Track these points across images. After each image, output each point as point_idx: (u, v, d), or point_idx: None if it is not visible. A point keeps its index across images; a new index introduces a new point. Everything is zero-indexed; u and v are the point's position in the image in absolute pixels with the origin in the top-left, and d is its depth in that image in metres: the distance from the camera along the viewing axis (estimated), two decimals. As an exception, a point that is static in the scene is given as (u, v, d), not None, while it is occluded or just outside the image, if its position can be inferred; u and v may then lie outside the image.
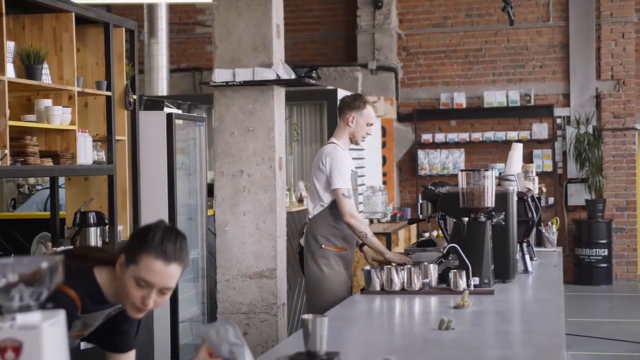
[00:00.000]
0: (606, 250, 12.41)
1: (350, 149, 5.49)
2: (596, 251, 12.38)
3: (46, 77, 5.13)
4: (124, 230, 6.00)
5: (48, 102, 5.20)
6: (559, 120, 12.89)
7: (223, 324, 2.51)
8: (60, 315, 1.80)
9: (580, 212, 12.80)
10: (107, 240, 5.72)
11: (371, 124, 5.45)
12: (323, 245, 5.29)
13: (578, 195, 12.73)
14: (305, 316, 2.74)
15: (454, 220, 4.63)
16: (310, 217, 5.38)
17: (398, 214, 11.30)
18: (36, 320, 1.76)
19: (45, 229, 5.94)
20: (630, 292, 12.09)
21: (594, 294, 11.87)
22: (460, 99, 13.03)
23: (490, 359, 2.97)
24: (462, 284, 4.24)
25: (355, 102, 5.43)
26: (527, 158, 12.49)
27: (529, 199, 5.16)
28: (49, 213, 5.94)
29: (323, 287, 5.26)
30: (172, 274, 2.60)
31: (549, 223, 6.62)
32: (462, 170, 4.52)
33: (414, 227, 11.49)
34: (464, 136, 12.97)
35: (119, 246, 2.76)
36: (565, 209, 12.85)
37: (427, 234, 12.44)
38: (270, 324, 5.76)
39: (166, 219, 6.39)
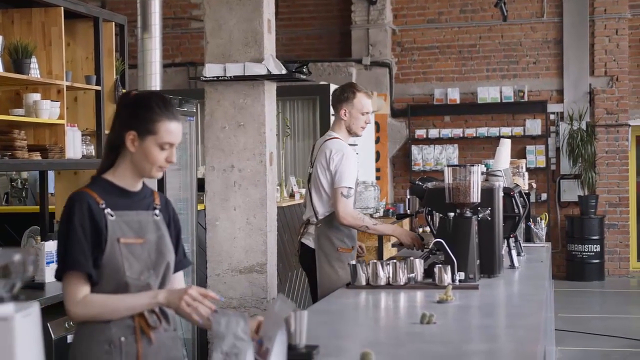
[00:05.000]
0: (598, 246, 12.44)
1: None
2: (588, 247, 12.41)
3: (35, 72, 5.14)
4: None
5: (37, 96, 5.21)
6: (552, 116, 12.91)
7: (237, 316, 2.57)
8: (34, 307, 1.82)
9: (573, 208, 12.83)
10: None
11: (367, 112, 5.27)
12: (339, 248, 5.18)
13: (571, 191, 12.76)
14: (285, 310, 2.76)
15: (440, 215, 4.64)
16: (319, 217, 5.21)
17: (391, 210, 11.32)
18: (9, 311, 1.77)
19: (37, 223, 5.95)
20: (622, 288, 12.12)
21: (586, 290, 11.90)
22: (454, 95, 13.05)
23: (469, 352, 2.99)
24: (447, 278, 4.26)
25: (344, 93, 5.28)
26: (521, 154, 12.52)
27: (516, 195, 5.17)
28: (38, 207, 5.95)
29: (338, 288, 5.09)
30: (181, 128, 2.94)
31: (538, 219, 6.64)
32: (448, 166, 4.53)
33: (407, 222, 11.51)
34: (458, 132, 12.99)
35: (116, 129, 2.95)
36: (558, 204, 12.88)
37: (421, 229, 12.46)
38: (261, 319, 5.77)
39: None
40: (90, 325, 2.86)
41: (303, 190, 8.38)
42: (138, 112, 2.90)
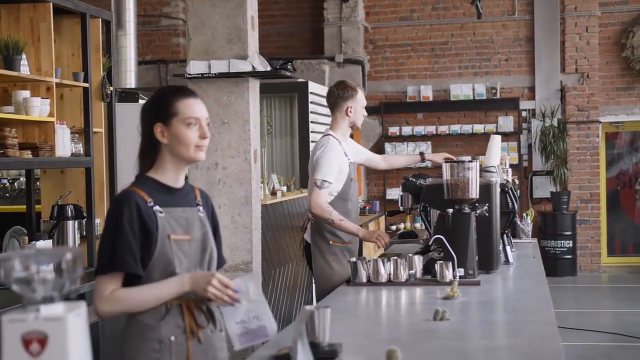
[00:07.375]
0: (571, 241, 12.56)
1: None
2: (561, 243, 12.53)
3: (24, 68, 5.05)
4: (101, 224, 5.93)
5: (26, 93, 5.12)
6: (524, 113, 13.00)
7: (244, 280, 2.56)
8: (82, 306, 1.78)
9: (545, 204, 12.94)
10: (84, 233, 5.65)
11: (364, 105, 5.53)
12: (331, 242, 5.24)
13: (543, 188, 12.86)
14: (309, 307, 2.73)
15: (438, 211, 4.64)
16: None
17: (367, 207, 11.34)
18: (60, 311, 1.74)
19: (20, 223, 5.85)
20: (594, 283, 12.25)
21: (559, 285, 11.99)
22: (427, 92, 13.08)
23: (490, 347, 2.98)
24: (449, 275, 4.25)
25: (348, 91, 5.42)
26: (494, 151, 12.57)
27: (509, 190, 5.19)
28: (24, 207, 5.84)
29: (333, 283, 5.05)
30: (202, 105, 2.95)
31: (524, 215, 6.67)
32: (446, 162, 4.53)
33: (382, 219, 11.53)
34: (431, 129, 13.02)
35: (144, 132, 2.97)
36: (531, 201, 12.97)
37: (394, 227, 12.49)
38: (247, 317, 5.73)
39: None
40: (140, 323, 2.84)
41: (285, 188, 8.36)
42: (155, 105, 2.94)
